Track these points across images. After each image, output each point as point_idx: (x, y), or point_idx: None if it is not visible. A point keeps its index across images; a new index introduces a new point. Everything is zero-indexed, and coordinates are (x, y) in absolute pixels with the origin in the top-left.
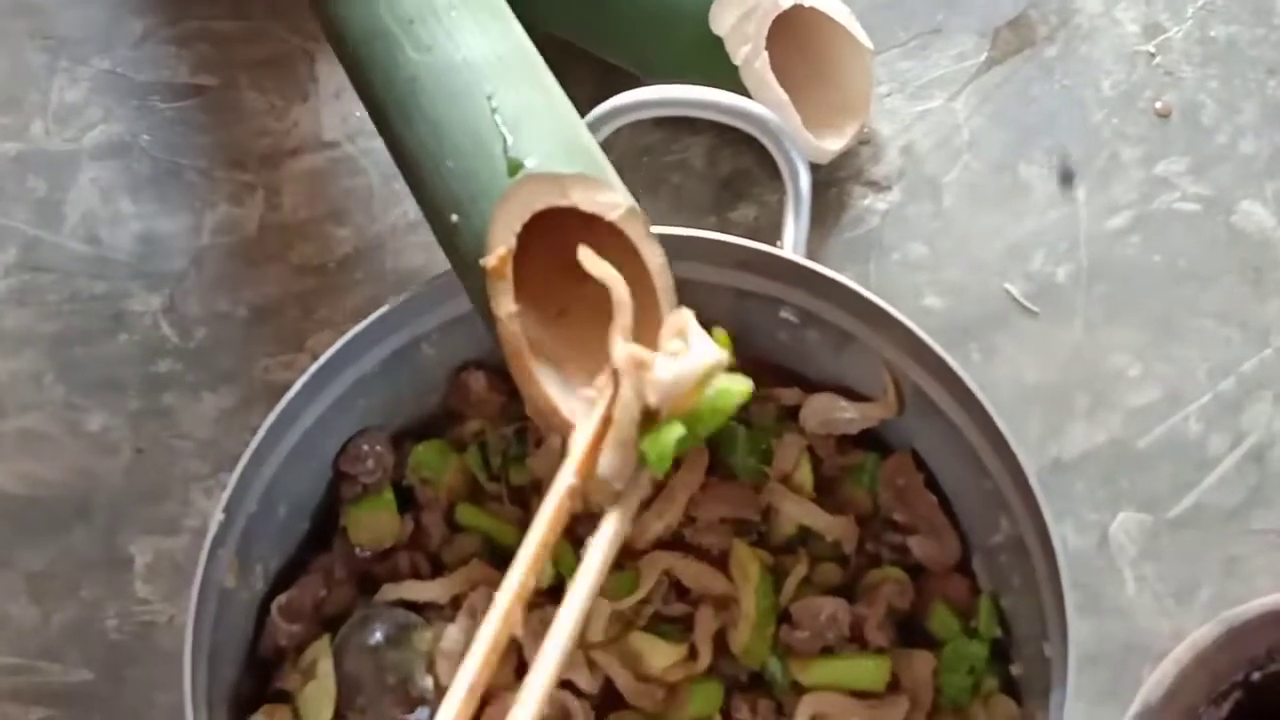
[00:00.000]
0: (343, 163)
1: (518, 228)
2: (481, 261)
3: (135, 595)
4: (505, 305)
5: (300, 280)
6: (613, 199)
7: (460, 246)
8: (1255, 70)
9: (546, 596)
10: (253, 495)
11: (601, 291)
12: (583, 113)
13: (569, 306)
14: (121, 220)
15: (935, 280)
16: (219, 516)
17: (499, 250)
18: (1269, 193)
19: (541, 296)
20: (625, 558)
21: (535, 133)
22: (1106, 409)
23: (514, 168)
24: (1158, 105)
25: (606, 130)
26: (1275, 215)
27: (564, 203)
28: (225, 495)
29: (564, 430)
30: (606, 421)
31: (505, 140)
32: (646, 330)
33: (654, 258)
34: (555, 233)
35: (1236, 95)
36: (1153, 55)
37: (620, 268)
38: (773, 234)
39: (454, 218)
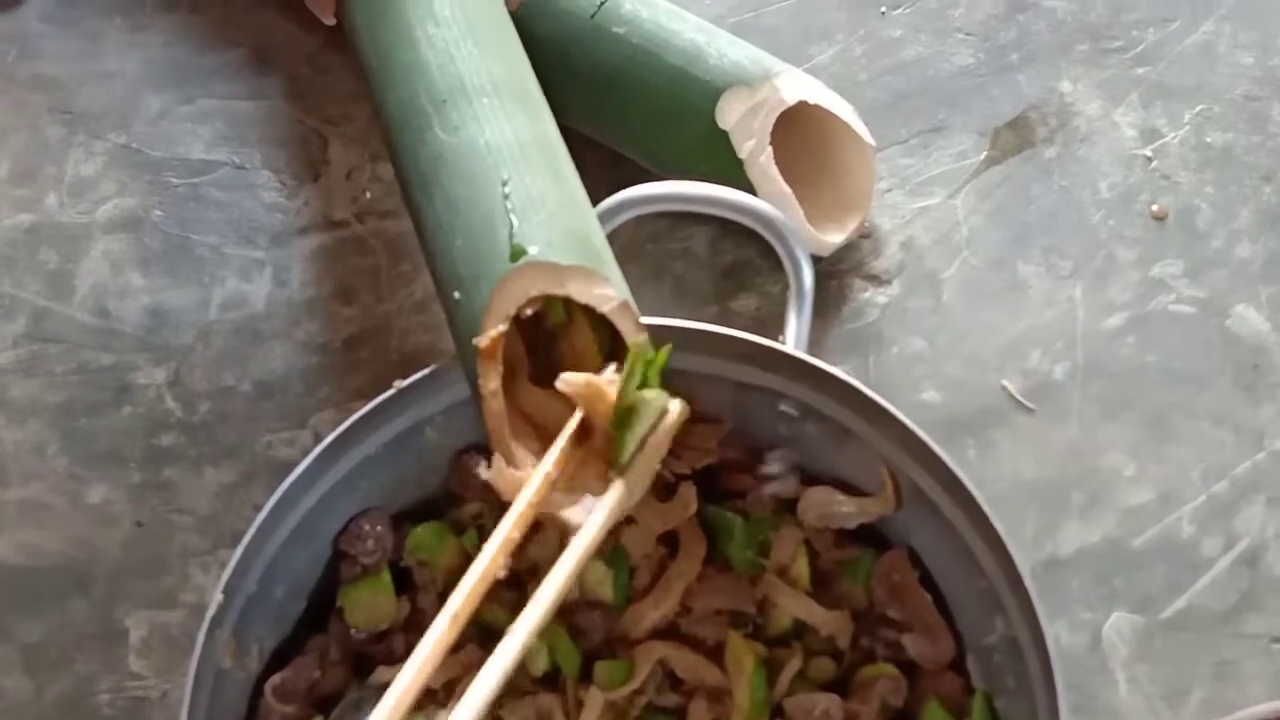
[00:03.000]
0: (351, 242)
1: (513, 311)
2: (474, 340)
3: (129, 670)
4: (491, 383)
5: (305, 358)
6: (606, 292)
7: (460, 323)
8: (1250, 177)
9: (541, 684)
10: (252, 576)
11: None
12: (592, 202)
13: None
14: (131, 293)
15: (934, 374)
16: (218, 598)
17: (491, 331)
18: (1264, 297)
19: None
20: (620, 647)
21: (542, 221)
22: (1101, 508)
23: (517, 253)
24: (1154, 208)
25: (614, 222)
26: (1270, 320)
27: (560, 292)
28: (225, 576)
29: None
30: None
31: (512, 225)
32: None
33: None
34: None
35: (1232, 201)
36: (1150, 159)
37: (616, 353)
38: (774, 324)
39: (456, 295)
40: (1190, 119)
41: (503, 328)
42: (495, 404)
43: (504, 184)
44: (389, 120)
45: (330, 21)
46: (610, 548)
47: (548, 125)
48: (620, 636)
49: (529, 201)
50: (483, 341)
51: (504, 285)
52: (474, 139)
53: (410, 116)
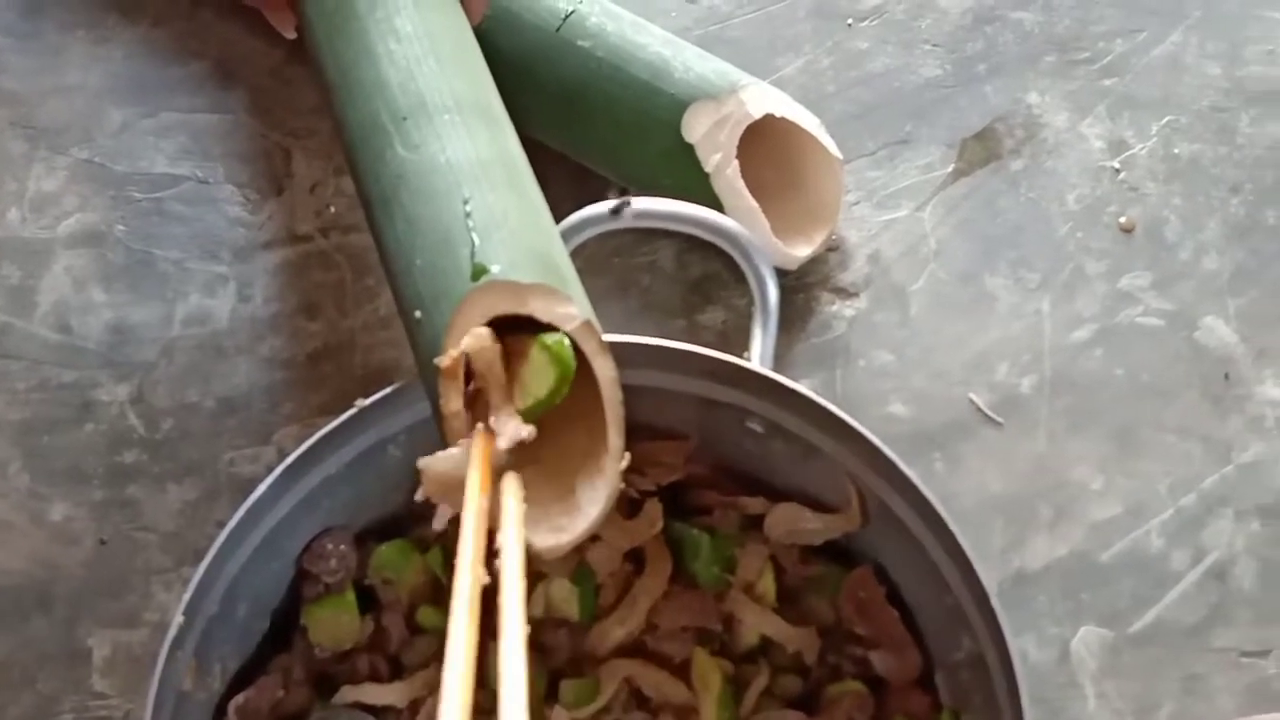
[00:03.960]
0: (315, 257)
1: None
2: (435, 360)
3: (92, 689)
4: (453, 404)
5: (269, 373)
6: (569, 311)
7: (421, 343)
8: (1218, 188)
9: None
10: (214, 596)
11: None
12: (558, 216)
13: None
14: (93, 309)
15: (901, 388)
16: (178, 619)
17: (452, 351)
18: (1231, 309)
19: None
20: (586, 665)
21: (503, 240)
22: (1069, 521)
23: (478, 272)
24: (1122, 220)
25: (578, 239)
26: (1237, 332)
27: (522, 310)
28: (186, 598)
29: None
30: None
31: (474, 244)
32: (594, 442)
33: (605, 371)
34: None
35: (1200, 212)
36: (1117, 171)
37: (580, 377)
38: (741, 338)
39: (418, 314)
40: (1158, 130)
41: (464, 347)
42: (456, 424)
43: (465, 202)
44: (350, 138)
45: (291, 35)
46: (575, 565)
47: (510, 142)
48: (586, 654)
49: (490, 220)
50: (444, 361)
51: (465, 304)
52: (435, 156)
53: (371, 134)
